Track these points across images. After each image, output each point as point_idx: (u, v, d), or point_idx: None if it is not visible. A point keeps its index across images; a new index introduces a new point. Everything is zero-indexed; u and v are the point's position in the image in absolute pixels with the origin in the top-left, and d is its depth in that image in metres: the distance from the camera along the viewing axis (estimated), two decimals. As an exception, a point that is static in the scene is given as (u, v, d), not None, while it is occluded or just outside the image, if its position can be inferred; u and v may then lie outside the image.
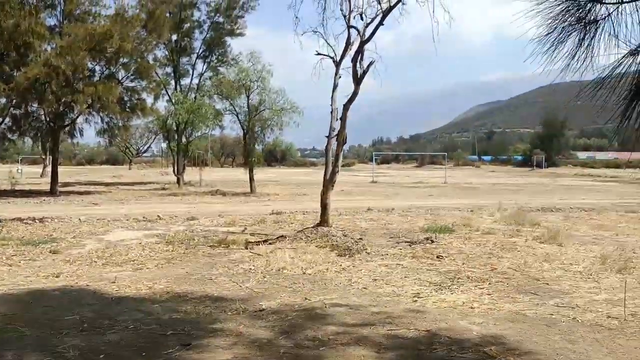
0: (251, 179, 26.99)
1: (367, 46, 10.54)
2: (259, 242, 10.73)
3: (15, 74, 23.61)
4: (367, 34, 10.67)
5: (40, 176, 43.83)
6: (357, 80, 10.58)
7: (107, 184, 34.45)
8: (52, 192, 24.90)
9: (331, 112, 11.61)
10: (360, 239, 11.01)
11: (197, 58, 37.61)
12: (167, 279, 7.47)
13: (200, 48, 37.53)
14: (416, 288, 6.89)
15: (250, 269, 8.19)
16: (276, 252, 9.47)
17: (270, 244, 10.52)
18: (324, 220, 11.16)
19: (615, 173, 72.25)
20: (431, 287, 6.96)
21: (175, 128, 33.58)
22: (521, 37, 2.75)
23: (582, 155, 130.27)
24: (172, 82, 37.58)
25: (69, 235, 11.90)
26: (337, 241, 10.47)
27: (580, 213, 18.03)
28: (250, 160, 27.12)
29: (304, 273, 7.92)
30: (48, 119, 26.83)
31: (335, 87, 11.77)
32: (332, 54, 11.81)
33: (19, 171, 42.94)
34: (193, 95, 34.11)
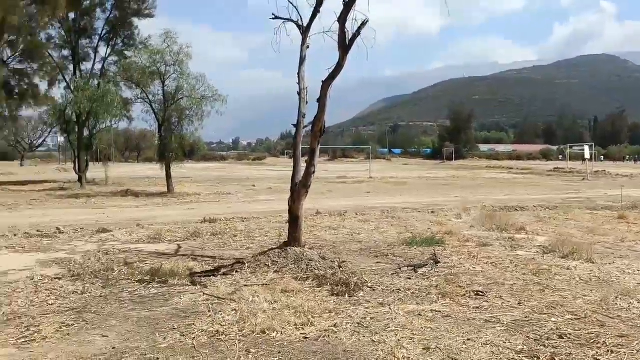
0: (168, 177, 23.32)
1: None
2: (208, 272, 7.64)
3: None
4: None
5: None
6: (345, 46, 7.70)
7: (-10, 184, 29.26)
8: None
9: (299, 93, 8.72)
10: (344, 261, 8.24)
11: (99, 40, 33.12)
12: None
13: (103, 29, 33.07)
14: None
15: (217, 332, 5.11)
16: (242, 292, 6.49)
17: (225, 274, 7.50)
18: (294, 239, 8.25)
19: (524, 165, 74.55)
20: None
21: (75, 119, 29.15)
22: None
23: (484, 147, 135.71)
24: (71, 66, 32.98)
25: None
26: (317, 268, 7.62)
27: (548, 212, 16.29)
28: (168, 155, 23.38)
29: (306, 338, 5.01)
30: None
31: (302, 60, 8.90)
32: (296, 18, 8.91)
33: None
34: (96, 82, 29.67)
